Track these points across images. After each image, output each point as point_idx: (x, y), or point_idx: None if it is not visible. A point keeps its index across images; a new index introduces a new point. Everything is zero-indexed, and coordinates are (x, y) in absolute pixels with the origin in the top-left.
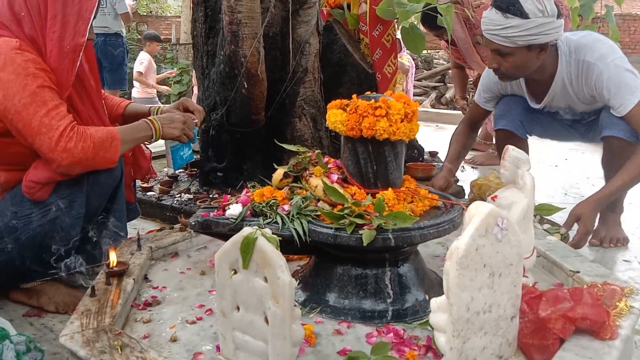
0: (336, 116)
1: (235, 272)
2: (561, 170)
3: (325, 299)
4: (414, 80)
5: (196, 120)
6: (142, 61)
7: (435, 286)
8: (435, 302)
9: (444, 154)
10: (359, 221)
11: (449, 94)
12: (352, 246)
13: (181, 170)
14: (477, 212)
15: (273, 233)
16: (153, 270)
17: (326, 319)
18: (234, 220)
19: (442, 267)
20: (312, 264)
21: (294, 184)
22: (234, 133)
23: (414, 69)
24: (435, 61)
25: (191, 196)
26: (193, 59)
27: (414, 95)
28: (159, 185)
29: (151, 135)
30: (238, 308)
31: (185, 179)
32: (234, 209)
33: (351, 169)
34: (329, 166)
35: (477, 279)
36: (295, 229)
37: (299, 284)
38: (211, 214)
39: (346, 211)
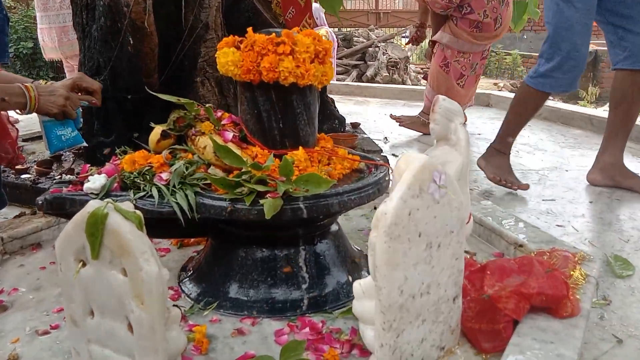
0: (227, 56)
1: (84, 265)
2: None
3: (224, 291)
4: (335, 59)
5: (94, 100)
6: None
7: (360, 266)
8: (359, 285)
9: (367, 127)
10: (261, 188)
11: (369, 72)
12: (255, 221)
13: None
14: (408, 167)
15: (147, 209)
16: (4, 267)
17: (225, 317)
18: (94, 197)
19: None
20: (208, 247)
21: (176, 146)
22: (122, 100)
23: (336, 44)
24: (355, 39)
25: (75, 177)
26: (72, 15)
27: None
28: (35, 167)
29: (24, 104)
30: (92, 313)
31: (69, 158)
32: (95, 181)
33: (251, 124)
34: (222, 122)
35: (412, 252)
36: (177, 203)
37: (191, 274)
38: (64, 189)
39: (244, 177)
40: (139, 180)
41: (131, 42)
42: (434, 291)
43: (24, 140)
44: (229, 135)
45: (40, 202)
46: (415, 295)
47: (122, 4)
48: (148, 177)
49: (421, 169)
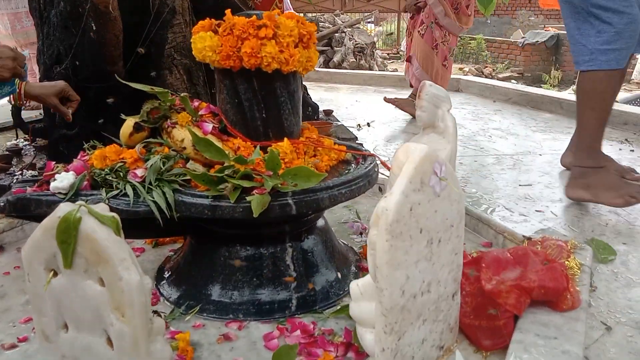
0: (204, 40)
1: (55, 274)
2: None
3: (206, 294)
4: None
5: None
6: None
7: (349, 261)
8: (357, 287)
9: (340, 114)
10: (246, 184)
11: (336, 58)
12: (240, 220)
13: (25, 141)
14: (408, 158)
15: (122, 209)
16: None
17: (209, 321)
18: (62, 197)
19: (353, 235)
20: (187, 247)
21: (151, 140)
22: (85, 90)
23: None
24: (321, 24)
25: (36, 173)
26: (29, 1)
27: None
28: None
29: None
30: (66, 326)
31: (31, 152)
32: (62, 180)
33: (231, 114)
34: (200, 113)
35: (413, 249)
36: (154, 202)
37: (169, 276)
38: (28, 189)
39: (227, 172)
40: (111, 178)
41: (94, 28)
42: (434, 289)
43: None
44: (209, 126)
45: (1, 204)
46: (416, 295)
47: None
48: (121, 174)
49: (422, 161)
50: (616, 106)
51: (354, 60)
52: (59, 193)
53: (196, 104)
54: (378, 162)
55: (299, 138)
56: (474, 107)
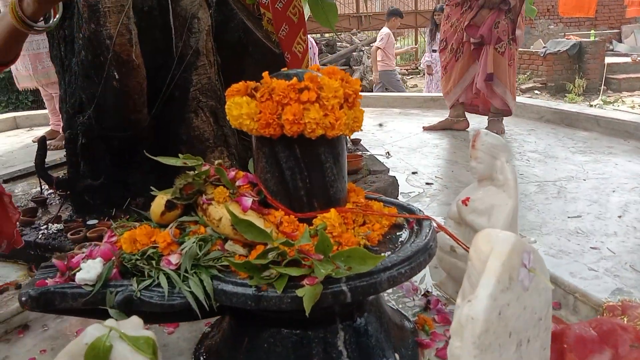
0: (240, 107)
1: None
2: None
3: None
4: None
5: None
6: (382, 36)
7: (406, 335)
8: None
9: (367, 141)
10: (294, 272)
11: (355, 77)
12: (288, 310)
13: (50, 192)
14: (493, 251)
15: (156, 303)
16: None
17: None
18: (90, 289)
19: (405, 298)
20: (225, 327)
21: (185, 218)
22: (109, 139)
23: (316, 49)
24: (338, 44)
25: (61, 226)
26: (50, 47)
27: None
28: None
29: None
30: None
31: (55, 203)
32: (89, 270)
33: (272, 184)
34: (237, 184)
35: (502, 359)
36: (191, 292)
37: (206, 357)
38: (50, 280)
39: (271, 255)
40: (142, 265)
41: (116, 76)
42: None
43: (4, 182)
44: (248, 201)
45: (24, 299)
46: None
47: (104, 36)
48: (154, 260)
49: (510, 254)
50: None
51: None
52: (86, 285)
53: (232, 173)
54: (434, 225)
55: (346, 204)
56: (506, 127)
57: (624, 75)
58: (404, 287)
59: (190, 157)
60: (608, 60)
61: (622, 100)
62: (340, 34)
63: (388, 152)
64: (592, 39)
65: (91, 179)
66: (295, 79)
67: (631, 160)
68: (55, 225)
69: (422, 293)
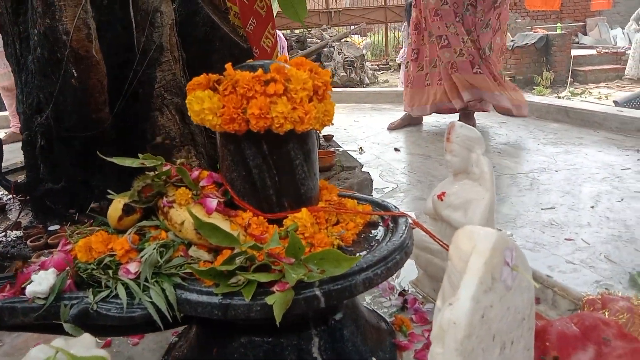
0: (202, 101)
1: None
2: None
3: None
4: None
5: None
6: None
7: (382, 337)
8: None
9: (339, 137)
10: (263, 278)
11: None
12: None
13: (9, 197)
14: (474, 249)
15: (114, 316)
16: None
17: None
18: (42, 303)
19: (381, 298)
20: (193, 337)
21: (145, 223)
22: (70, 140)
23: (285, 43)
24: (309, 40)
25: (21, 233)
26: (4, 45)
27: None
28: None
29: None
30: None
31: (15, 208)
32: (41, 282)
33: (239, 184)
34: (201, 184)
35: None
36: (152, 303)
37: None
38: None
39: (238, 261)
40: (98, 274)
41: (75, 74)
42: None
43: None
44: (213, 202)
45: None
46: None
47: (60, 31)
48: (111, 269)
49: (493, 252)
50: (628, 112)
51: (345, 74)
52: (37, 298)
53: (196, 173)
54: (410, 222)
55: (318, 202)
56: (477, 120)
57: (590, 67)
58: (380, 286)
59: (150, 156)
60: (574, 52)
61: (589, 92)
62: (311, 30)
63: (361, 148)
64: (558, 31)
65: (52, 183)
66: (260, 70)
67: (601, 150)
68: (15, 232)
69: (399, 292)
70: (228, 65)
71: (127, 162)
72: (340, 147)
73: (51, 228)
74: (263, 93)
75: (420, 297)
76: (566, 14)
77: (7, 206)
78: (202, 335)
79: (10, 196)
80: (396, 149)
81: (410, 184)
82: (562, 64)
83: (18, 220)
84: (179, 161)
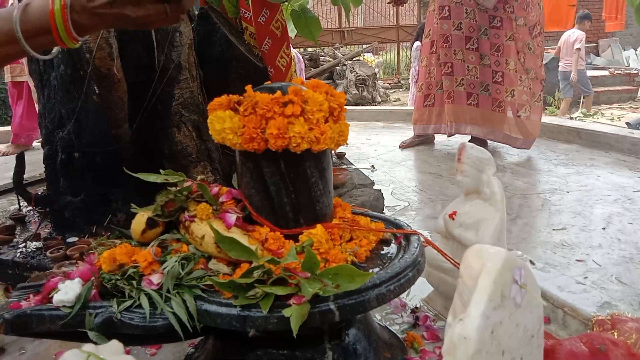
0: (223, 121)
1: None
2: None
3: None
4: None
5: None
6: (579, 38)
7: (395, 354)
8: None
9: (351, 155)
10: (280, 291)
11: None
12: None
13: (29, 209)
14: (484, 267)
15: (137, 325)
16: None
17: None
18: (68, 311)
19: (392, 315)
20: (210, 348)
21: (167, 236)
22: (90, 155)
23: (303, 64)
24: (321, 58)
25: (40, 244)
26: (27, 61)
27: None
28: None
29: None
30: None
31: (34, 220)
32: (67, 291)
33: (257, 201)
34: (220, 200)
35: None
36: (173, 313)
37: None
38: (24, 302)
39: (256, 274)
40: (122, 285)
41: (97, 91)
42: None
43: None
44: (232, 218)
45: None
46: None
47: (83, 50)
48: (135, 280)
49: (502, 270)
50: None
51: (357, 92)
52: (64, 306)
53: (216, 189)
54: (422, 240)
55: (332, 219)
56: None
57: (603, 88)
58: (392, 303)
59: (172, 172)
60: (587, 73)
61: (602, 113)
62: (324, 49)
63: (373, 166)
64: None
65: (71, 196)
66: (279, 92)
67: (613, 172)
68: (34, 243)
69: (411, 309)
70: (248, 87)
71: (151, 177)
72: (353, 164)
73: (69, 240)
74: (281, 114)
75: (432, 314)
76: None
77: (26, 218)
78: (219, 346)
79: (30, 208)
80: (372, 167)
81: (422, 202)
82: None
83: (37, 232)
84: (199, 177)
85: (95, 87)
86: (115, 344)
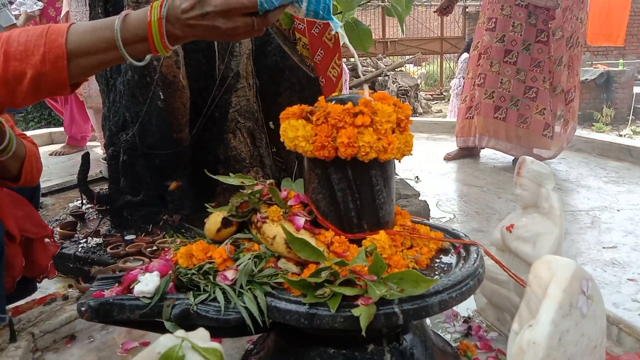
0: (296, 129)
1: None
2: None
3: None
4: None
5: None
6: None
7: (449, 358)
8: None
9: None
10: (348, 292)
11: None
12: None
13: (88, 206)
14: (554, 277)
15: (212, 317)
16: None
17: None
18: (147, 301)
19: (444, 323)
20: (270, 345)
21: (240, 235)
22: (151, 157)
23: (348, 75)
24: (364, 68)
25: (100, 240)
26: None
27: None
28: (58, 229)
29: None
30: None
31: (93, 217)
32: (147, 283)
33: (323, 205)
34: (289, 204)
35: None
36: (245, 308)
37: None
38: (107, 291)
39: (324, 275)
40: (198, 280)
41: (162, 97)
42: None
43: (43, 195)
44: (301, 221)
45: (83, 309)
46: None
47: (151, 57)
48: (210, 275)
49: (571, 281)
50: None
51: None
52: (144, 297)
53: (284, 193)
54: (482, 251)
55: (393, 226)
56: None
57: None
58: (444, 312)
59: (243, 176)
60: (637, 89)
61: None
62: (366, 59)
63: (417, 177)
64: (620, 68)
65: (131, 195)
66: (350, 103)
67: None
68: (95, 239)
69: (463, 319)
70: (321, 98)
71: (230, 180)
72: (397, 174)
73: (127, 237)
74: (352, 124)
75: (484, 325)
76: (629, 50)
77: (86, 215)
78: (280, 343)
79: (89, 206)
80: (417, 178)
81: (468, 215)
82: (623, 101)
83: (97, 228)
84: (268, 182)
85: (161, 93)
86: (202, 332)
